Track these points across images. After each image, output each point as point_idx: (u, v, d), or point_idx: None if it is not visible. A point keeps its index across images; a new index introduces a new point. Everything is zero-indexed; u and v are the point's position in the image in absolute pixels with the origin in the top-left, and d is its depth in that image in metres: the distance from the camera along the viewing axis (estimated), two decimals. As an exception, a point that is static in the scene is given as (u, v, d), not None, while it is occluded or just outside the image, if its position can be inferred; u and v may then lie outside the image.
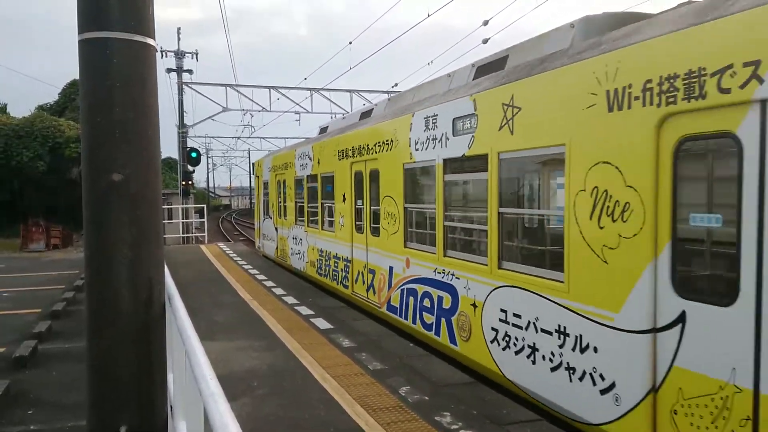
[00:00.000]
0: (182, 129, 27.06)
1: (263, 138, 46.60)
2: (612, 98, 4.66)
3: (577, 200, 5.05)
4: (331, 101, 27.14)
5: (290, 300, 10.70)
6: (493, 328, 6.31)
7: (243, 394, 5.83)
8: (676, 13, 4.54)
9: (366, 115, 11.64)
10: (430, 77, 9.27)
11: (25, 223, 24.10)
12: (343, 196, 11.10)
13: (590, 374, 4.87)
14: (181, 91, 26.89)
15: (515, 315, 5.92)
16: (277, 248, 17.00)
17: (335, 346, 7.55)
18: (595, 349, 4.82)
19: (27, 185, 28.41)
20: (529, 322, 5.69)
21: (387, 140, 9.13)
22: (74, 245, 24.26)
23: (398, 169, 8.67)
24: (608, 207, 4.71)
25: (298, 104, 27.28)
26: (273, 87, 26.37)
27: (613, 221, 4.64)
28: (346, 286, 11.12)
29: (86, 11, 2.94)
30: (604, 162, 4.75)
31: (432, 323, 7.67)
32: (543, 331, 5.48)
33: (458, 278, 7.06)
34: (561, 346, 5.23)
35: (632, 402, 4.45)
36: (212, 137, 59.49)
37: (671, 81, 4.13)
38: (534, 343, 5.59)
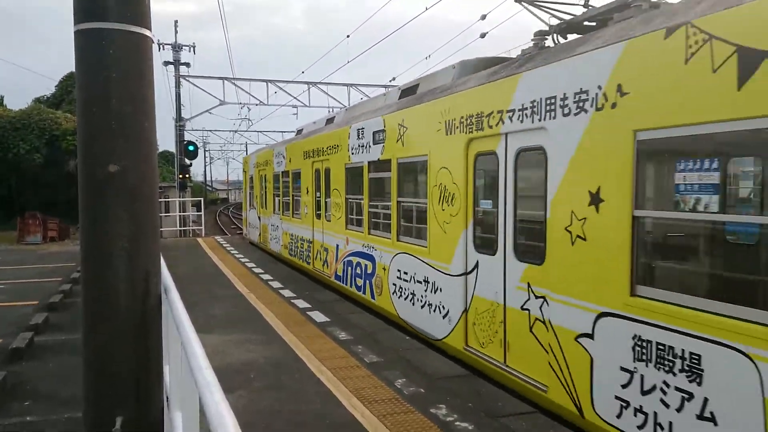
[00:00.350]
0: (179, 122, 26.99)
1: (261, 132, 46.58)
2: (448, 126, 7.18)
3: (432, 192, 7.57)
4: (329, 95, 27.12)
5: (287, 293, 10.72)
6: (393, 284, 8.85)
7: (240, 386, 5.85)
8: (482, 74, 6.96)
9: (330, 121, 13.72)
10: (428, 71, 9.94)
11: (21, 215, 24.04)
12: (307, 189, 13.68)
13: (438, 306, 7.43)
14: (178, 84, 26.82)
15: (404, 272, 8.41)
16: (259, 234, 19.40)
17: (331, 339, 7.57)
18: (440, 289, 7.38)
19: (24, 178, 28.37)
20: (411, 277, 8.17)
21: (335, 145, 11.63)
22: (71, 238, 24.23)
23: (341, 168, 11.25)
24: (446, 196, 7.22)
25: (295, 98, 27.24)
26: (270, 80, 26.32)
27: (449, 205, 7.17)
28: (308, 263, 13.63)
29: (83, 2, 2.93)
30: (444, 167, 7.29)
31: (361, 285, 10.24)
32: (417, 281, 8.01)
33: (376, 250, 9.57)
34: (425, 290, 7.77)
35: (456, 321, 7.01)
36: (209, 131, 59.47)
37: (471, 118, 6.70)
38: (413, 291, 8.11)
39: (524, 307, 5.74)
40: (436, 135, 7.38)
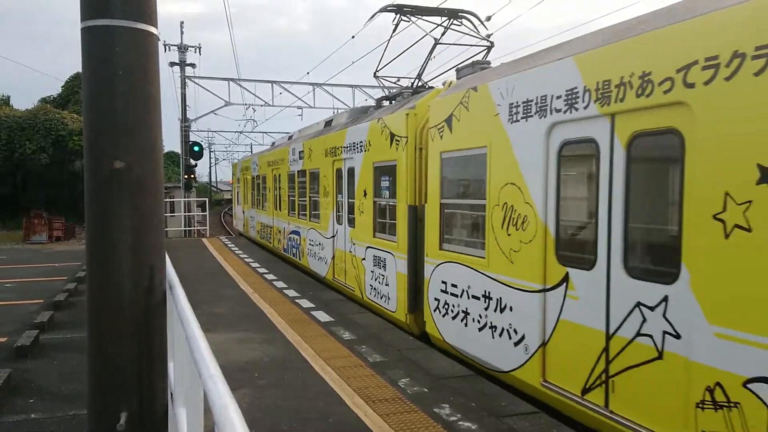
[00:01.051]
0: (185, 123, 27.06)
1: (266, 132, 46.63)
2: (326, 152, 12.18)
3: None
4: (334, 96, 27.13)
5: (291, 293, 10.73)
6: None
7: (244, 384, 5.86)
8: (344, 122, 11.92)
9: (289, 138, 18.53)
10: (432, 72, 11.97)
11: (27, 214, 24.15)
12: (268, 188, 18.92)
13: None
14: (183, 85, 26.89)
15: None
16: (243, 225, 25.42)
17: (335, 339, 7.57)
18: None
19: (30, 178, 28.48)
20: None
21: (282, 158, 16.78)
22: (77, 237, 24.32)
23: (285, 174, 16.20)
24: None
25: (300, 99, 27.25)
26: (275, 81, 26.36)
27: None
28: (270, 242, 18.69)
29: (89, -1, 2.94)
30: (324, 176, 12.42)
31: (294, 252, 15.26)
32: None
33: (301, 227, 14.65)
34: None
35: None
36: (215, 131, 59.63)
37: (334, 149, 11.68)
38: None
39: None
40: (323, 157, 12.44)
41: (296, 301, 10.02)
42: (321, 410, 5.22)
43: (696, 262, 3.92)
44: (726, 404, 3.70)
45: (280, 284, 11.67)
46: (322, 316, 8.81)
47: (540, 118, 5.49)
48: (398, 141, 8.62)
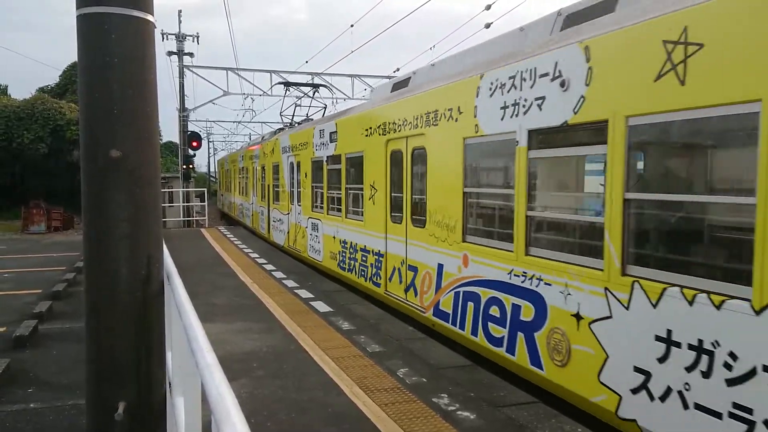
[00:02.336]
0: (183, 113, 26.96)
1: (264, 122, 46.44)
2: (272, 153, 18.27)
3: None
4: (333, 86, 27.02)
5: (290, 283, 10.73)
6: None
7: (242, 375, 5.86)
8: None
9: (273, 133, 21.37)
10: (432, 61, 10.21)
11: (26, 205, 24.10)
12: (248, 178, 23.63)
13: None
14: (182, 75, 26.76)
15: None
16: (223, 205, 34.59)
17: (334, 329, 7.57)
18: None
19: (28, 168, 28.42)
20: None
21: (262, 153, 20.11)
22: (75, 227, 24.29)
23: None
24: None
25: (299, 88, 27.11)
26: (274, 71, 26.25)
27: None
28: (247, 222, 23.41)
29: (84, -15, 2.91)
30: (276, 164, 17.75)
31: (263, 229, 19.08)
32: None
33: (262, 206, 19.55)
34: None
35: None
36: (213, 121, 59.41)
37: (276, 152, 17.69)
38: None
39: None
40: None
41: (295, 291, 10.02)
42: (320, 400, 5.22)
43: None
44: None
45: (279, 275, 11.67)
46: (321, 307, 8.81)
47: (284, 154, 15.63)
48: (289, 149, 15.90)
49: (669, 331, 4.23)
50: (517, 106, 6.02)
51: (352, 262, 10.92)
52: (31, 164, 28.21)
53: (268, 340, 7.11)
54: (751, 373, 3.65)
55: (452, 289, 7.27)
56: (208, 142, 69.44)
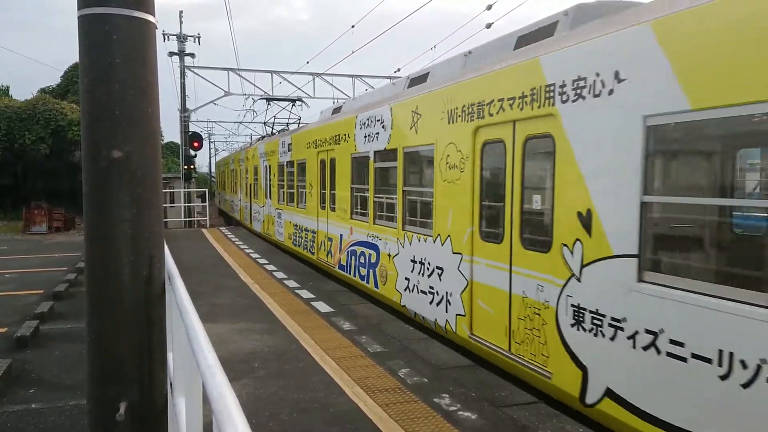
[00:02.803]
0: (184, 113, 26.98)
1: (265, 123, 46.39)
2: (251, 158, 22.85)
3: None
4: (334, 86, 27.03)
5: (291, 284, 10.73)
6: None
7: (244, 375, 5.86)
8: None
9: (247, 146, 26.30)
10: (432, 62, 11.30)
11: (27, 205, 24.12)
12: (237, 179, 27.15)
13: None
14: (183, 75, 26.78)
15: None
16: (223, 203, 36.17)
17: (336, 329, 7.57)
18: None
19: (29, 168, 28.43)
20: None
21: (246, 157, 23.98)
22: (76, 228, 24.30)
23: (259, 166, 20.58)
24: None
25: (300, 89, 27.14)
26: (275, 71, 26.25)
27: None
28: (236, 216, 27.25)
29: (85, -14, 2.91)
30: (257, 172, 22.09)
31: (247, 220, 23.64)
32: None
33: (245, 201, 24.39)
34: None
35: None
36: (214, 122, 59.45)
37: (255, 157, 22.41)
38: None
39: None
40: (251, 161, 20.90)
41: (296, 291, 10.02)
42: (321, 400, 5.22)
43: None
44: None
45: (281, 275, 11.67)
46: (323, 307, 8.81)
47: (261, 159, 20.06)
48: (264, 155, 19.72)
49: (414, 256, 8.29)
50: (369, 136, 10.03)
51: (300, 239, 15.01)
52: (33, 165, 28.22)
53: (270, 340, 7.11)
54: (434, 271, 7.68)
55: (346, 250, 11.30)
56: (210, 142, 69.50)
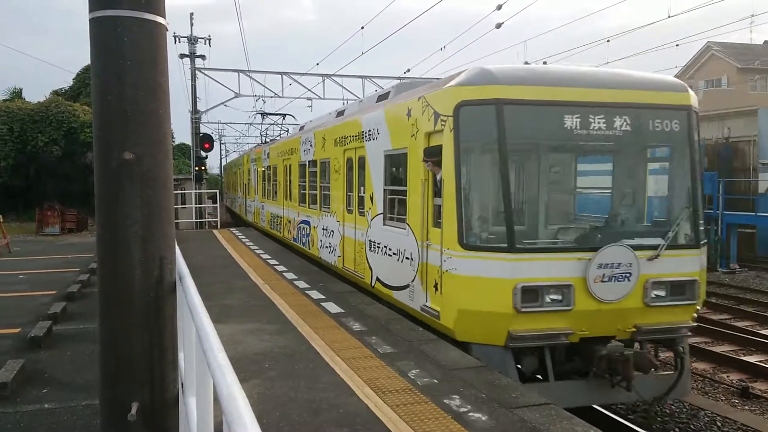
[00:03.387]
0: (195, 115, 27.13)
1: (275, 124, 46.54)
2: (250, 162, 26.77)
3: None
4: (344, 87, 27.08)
5: (301, 284, 10.75)
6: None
7: (254, 375, 5.88)
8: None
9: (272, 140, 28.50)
10: (442, 61, 15.41)
11: (40, 206, 24.35)
12: (237, 179, 32.20)
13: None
14: (194, 77, 26.94)
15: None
16: (229, 201, 39.18)
17: (345, 330, 7.58)
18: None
19: (42, 170, 28.70)
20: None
21: (247, 160, 27.86)
22: (89, 229, 24.50)
23: (251, 170, 25.16)
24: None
25: (310, 90, 27.23)
26: (285, 73, 26.34)
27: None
28: (236, 210, 32.19)
29: (97, -10, 2.93)
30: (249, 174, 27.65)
31: (244, 213, 28.30)
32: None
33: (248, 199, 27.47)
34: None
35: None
36: (225, 123, 59.76)
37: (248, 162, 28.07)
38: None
39: None
40: (248, 164, 27.04)
41: (306, 292, 10.04)
42: (331, 401, 5.23)
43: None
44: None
45: (291, 275, 11.70)
46: (332, 308, 8.82)
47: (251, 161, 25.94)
48: (253, 161, 24.70)
49: (323, 226, 12.93)
50: (306, 151, 14.63)
51: (274, 224, 19.33)
52: (46, 166, 28.49)
53: (280, 340, 7.13)
54: (330, 232, 12.77)
55: (297, 226, 15.64)
56: (220, 144, 69.81)
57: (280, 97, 27.35)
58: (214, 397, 1.92)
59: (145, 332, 2.99)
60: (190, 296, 2.81)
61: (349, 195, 11.15)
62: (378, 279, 9.53)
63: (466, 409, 5.04)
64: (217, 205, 27.03)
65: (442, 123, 6.88)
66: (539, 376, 6.75)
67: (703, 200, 7.38)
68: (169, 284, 3.08)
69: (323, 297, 9.61)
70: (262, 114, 30.45)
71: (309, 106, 30.45)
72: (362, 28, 23.87)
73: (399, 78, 26.59)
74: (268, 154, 20.74)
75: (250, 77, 26.07)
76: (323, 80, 26.77)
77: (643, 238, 6.88)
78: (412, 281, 7.97)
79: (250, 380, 5.72)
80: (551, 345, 6.52)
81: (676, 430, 7.41)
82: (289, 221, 16.75)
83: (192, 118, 26.94)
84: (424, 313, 7.55)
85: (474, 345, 6.77)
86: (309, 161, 14.30)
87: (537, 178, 7.51)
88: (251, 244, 17.50)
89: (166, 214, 3.08)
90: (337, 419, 4.85)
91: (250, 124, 48.50)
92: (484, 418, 4.86)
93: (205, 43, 27.71)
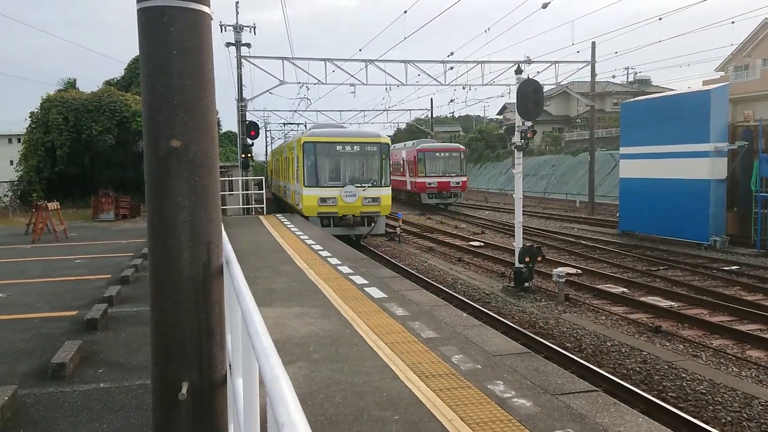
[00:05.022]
0: (241, 102, 27.52)
1: (319, 111, 46.90)
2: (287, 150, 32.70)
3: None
4: (387, 72, 27.01)
5: (345, 269, 10.85)
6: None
7: (299, 358, 5.99)
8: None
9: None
10: (485, 44, 10.65)
11: (95, 194, 25.22)
12: (277, 166, 34.97)
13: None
14: (240, 65, 27.28)
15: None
16: (273, 186, 40.22)
17: (389, 315, 7.63)
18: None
19: (97, 158, 29.69)
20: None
21: (281, 151, 33.56)
22: (141, 215, 25.25)
23: (283, 158, 30.46)
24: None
25: (353, 76, 27.26)
26: (328, 59, 26.41)
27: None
28: (278, 193, 34.33)
29: (144, -19, 2.99)
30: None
31: (281, 194, 32.26)
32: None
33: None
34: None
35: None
36: (270, 111, 60.49)
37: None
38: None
39: None
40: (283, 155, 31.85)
41: (350, 277, 10.13)
42: (375, 384, 5.28)
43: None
44: None
45: (335, 261, 11.82)
46: (376, 293, 8.88)
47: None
48: (283, 151, 30.65)
49: (292, 190, 24.77)
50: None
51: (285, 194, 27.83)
52: (100, 155, 29.44)
53: (325, 324, 7.23)
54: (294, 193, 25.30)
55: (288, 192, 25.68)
56: (266, 131, 70.75)
57: (323, 83, 27.48)
58: (260, 378, 1.97)
59: (193, 315, 3.07)
60: (236, 281, 2.87)
61: (295, 172, 22.02)
62: (295, 203, 22.46)
63: (510, 395, 5.02)
64: (263, 191, 27.40)
65: (299, 146, 20.65)
66: (330, 226, 19.52)
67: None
68: (216, 268, 3.15)
69: (366, 282, 9.68)
70: (285, 124, 40.29)
71: (352, 92, 30.51)
72: (405, 12, 23.69)
73: (442, 62, 26.33)
74: (284, 148, 29.65)
75: (294, 64, 26.26)
76: (366, 66, 26.75)
77: (362, 183, 20.03)
78: (297, 200, 21.34)
79: (295, 363, 5.83)
80: (331, 215, 19.82)
81: (728, 418, 7.21)
82: (287, 192, 26.47)
83: (238, 106, 27.34)
84: (297, 208, 21.29)
85: (310, 217, 19.80)
86: (284, 157, 27.49)
87: (326, 164, 20.38)
88: (296, 229, 17.73)
89: (212, 200, 3.15)
90: (380, 402, 4.90)
91: (295, 111, 49.01)
92: (528, 404, 4.83)
93: (250, 31, 27.99)
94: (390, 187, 20.91)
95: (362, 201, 19.76)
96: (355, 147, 20.38)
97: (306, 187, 19.91)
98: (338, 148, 20.27)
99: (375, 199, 19.95)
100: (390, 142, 21.94)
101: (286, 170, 27.74)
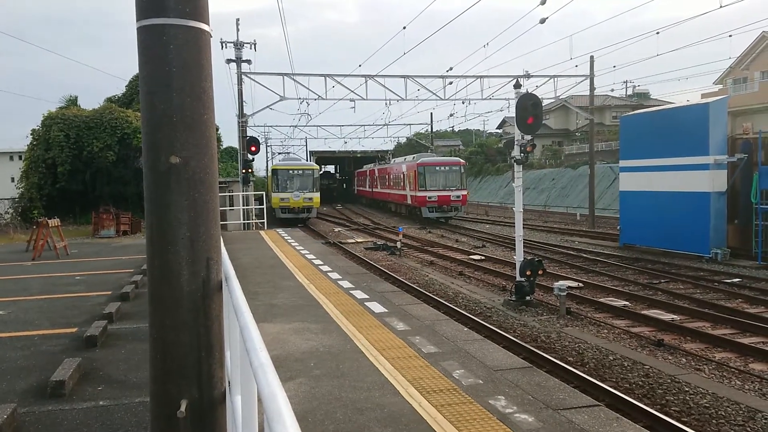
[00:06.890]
0: (242, 118, 27.64)
1: (320, 126, 47.14)
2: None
3: None
4: (386, 87, 27.15)
5: (346, 284, 10.83)
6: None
7: (300, 374, 5.96)
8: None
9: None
10: (486, 58, 10.38)
11: (96, 210, 25.25)
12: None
13: None
14: (240, 82, 27.44)
15: None
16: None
17: (389, 330, 7.60)
18: None
19: (98, 174, 29.77)
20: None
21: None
22: (142, 231, 25.24)
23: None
24: None
25: (352, 91, 27.42)
26: (328, 75, 26.58)
27: None
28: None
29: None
30: None
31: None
32: None
33: None
34: None
35: None
36: (270, 126, 60.81)
37: None
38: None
39: None
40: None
41: (350, 292, 10.11)
42: (376, 400, 5.25)
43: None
44: None
45: (335, 275, 11.80)
46: (376, 307, 8.86)
47: None
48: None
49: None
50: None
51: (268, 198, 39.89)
52: (101, 171, 29.53)
53: (325, 340, 7.20)
54: None
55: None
56: (266, 146, 70.94)
57: (323, 99, 27.62)
58: (259, 395, 1.96)
59: (192, 331, 3.06)
60: (235, 296, 2.87)
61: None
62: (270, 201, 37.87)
63: (511, 410, 4.99)
64: (264, 206, 27.39)
65: (271, 174, 41.06)
66: (287, 213, 36.43)
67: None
68: (215, 284, 3.15)
69: (367, 297, 9.66)
70: (280, 153, 50.43)
71: (352, 107, 30.70)
72: (404, 28, 23.88)
73: (441, 77, 26.47)
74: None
75: (295, 80, 26.43)
76: (366, 81, 26.90)
77: (303, 191, 36.14)
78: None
79: (295, 378, 5.80)
80: (288, 208, 36.06)
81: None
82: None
83: (239, 122, 27.46)
84: (275, 207, 36.72)
85: (275, 209, 36.41)
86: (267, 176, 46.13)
87: (286, 181, 36.46)
88: (297, 244, 17.72)
89: (212, 216, 3.15)
90: (381, 418, 4.87)
91: (295, 126, 49.32)
92: (530, 420, 4.80)
93: (250, 48, 28.20)
94: (319, 193, 37.35)
95: (303, 199, 35.84)
96: (299, 171, 36.77)
97: (273, 192, 36.70)
98: (290, 172, 36.75)
99: (310, 198, 36.14)
100: (318, 168, 40.25)
101: (267, 184, 42.43)
